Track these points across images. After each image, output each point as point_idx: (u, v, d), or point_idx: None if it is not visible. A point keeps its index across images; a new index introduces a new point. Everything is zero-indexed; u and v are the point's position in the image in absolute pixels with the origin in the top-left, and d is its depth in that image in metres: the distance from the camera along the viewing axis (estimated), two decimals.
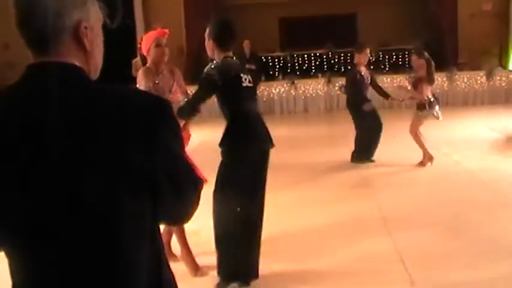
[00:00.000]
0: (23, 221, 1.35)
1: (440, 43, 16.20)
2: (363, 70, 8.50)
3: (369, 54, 8.69)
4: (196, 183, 1.52)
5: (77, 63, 1.41)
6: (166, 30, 4.59)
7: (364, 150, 8.50)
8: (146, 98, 1.45)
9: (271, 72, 16.63)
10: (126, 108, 1.37)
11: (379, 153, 8.55)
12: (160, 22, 15.58)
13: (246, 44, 14.82)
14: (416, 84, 7.97)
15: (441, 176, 7.60)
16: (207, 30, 4.21)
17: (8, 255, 1.42)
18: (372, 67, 15.69)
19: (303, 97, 15.35)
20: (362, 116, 8.44)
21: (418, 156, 8.14)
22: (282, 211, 6.12)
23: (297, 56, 17.09)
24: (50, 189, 1.32)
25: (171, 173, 1.41)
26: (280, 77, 16.31)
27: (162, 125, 1.39)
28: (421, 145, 8.10)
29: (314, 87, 15.35)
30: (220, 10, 17.94)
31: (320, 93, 15.28)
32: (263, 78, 15.43)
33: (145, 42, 4.53)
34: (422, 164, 8.09)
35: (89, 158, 1.32)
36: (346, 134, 9.07)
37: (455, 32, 16.67)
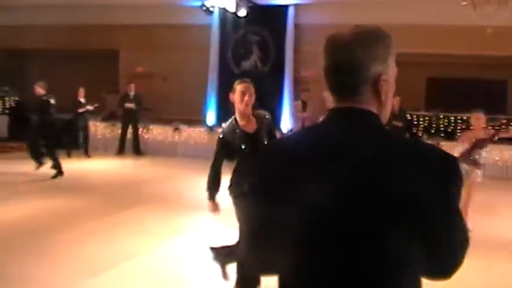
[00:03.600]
0: (304, 236, 1.51)
1: None
2: None
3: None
4: (467, 240, 1.53)
5: (373, 110, 1.57)
6: None
7: None
8: (440, 152, 1.52)
9: (415, 131, 16.51)
10: (420, 156, 1.48)
11: None
12: (309, 71, 16.13)
13: (397, 100, 14.55)
14: None
15: None
16: None
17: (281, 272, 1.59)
18: None
19: None
20: None
21: None
22: None
23: (443, 117, 16.88)
24: (333, 211, 1.48)
25: (448, 225, 1.46)
26: (425, 137, 16.22)
27: (452, 181, 1.48)
28: None
29: (458, 151, 14.99)
30: None
31: None
32: (408, 136, 15.34)
33: None
34: None
35: (377, 190, 1.44)
36: (494, 204, 8.76)
37: None
